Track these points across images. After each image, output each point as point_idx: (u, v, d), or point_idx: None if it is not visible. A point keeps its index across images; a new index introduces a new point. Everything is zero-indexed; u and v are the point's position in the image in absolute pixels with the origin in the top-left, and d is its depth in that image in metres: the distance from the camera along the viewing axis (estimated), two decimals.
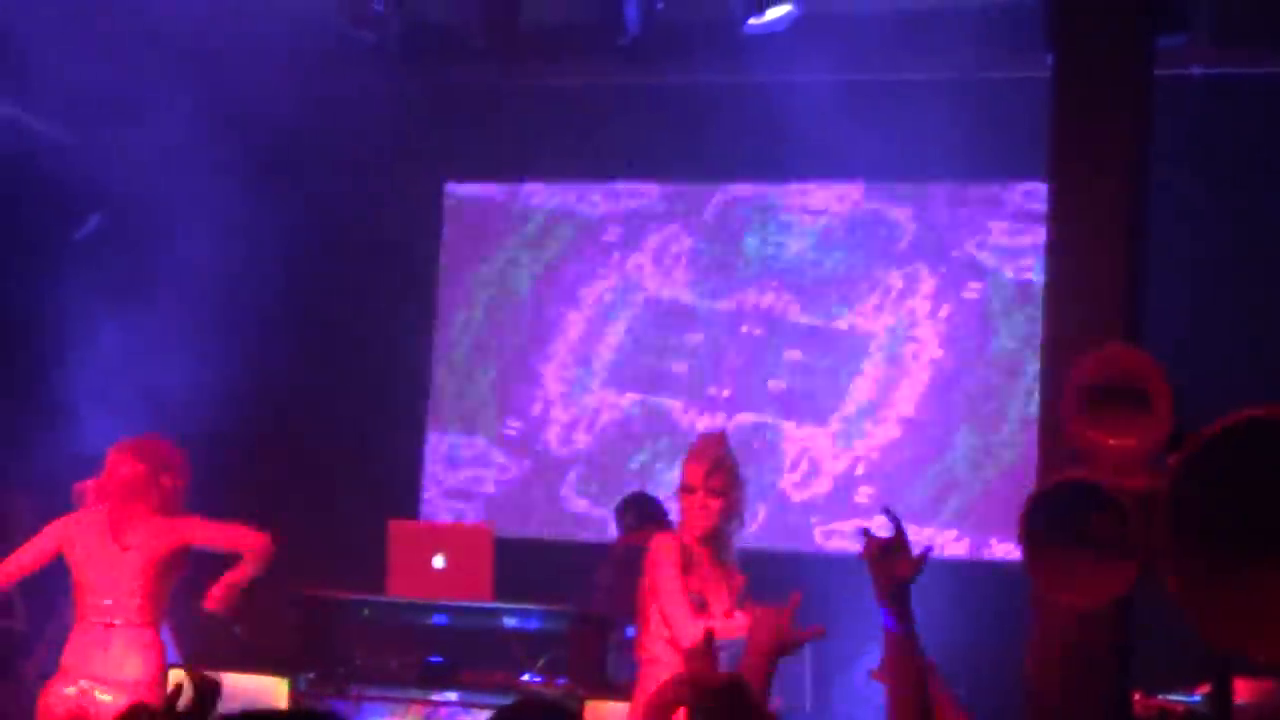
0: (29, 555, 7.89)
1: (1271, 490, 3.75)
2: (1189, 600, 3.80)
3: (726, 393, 11.31)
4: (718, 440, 7.16)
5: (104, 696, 7.62)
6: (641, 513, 9.57)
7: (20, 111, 10.77)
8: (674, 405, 11.37)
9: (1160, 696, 7.49)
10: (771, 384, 11.23)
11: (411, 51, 10.14)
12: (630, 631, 8.81)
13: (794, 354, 11.23)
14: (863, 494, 10.97)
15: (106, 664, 7.67)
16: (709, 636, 5.42)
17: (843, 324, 11.17)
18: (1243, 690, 6.02)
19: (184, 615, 9.90)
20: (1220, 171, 10.07)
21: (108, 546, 7.78)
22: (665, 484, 10.85)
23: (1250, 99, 9.92)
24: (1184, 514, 3.80)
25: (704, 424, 11.06)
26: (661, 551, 6.97)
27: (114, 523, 7.83)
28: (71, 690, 7.68)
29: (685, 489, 7.03)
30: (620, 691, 7.94)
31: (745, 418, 11.16)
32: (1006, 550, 10.24)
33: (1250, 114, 9.95)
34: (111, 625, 7.73)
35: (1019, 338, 10.74)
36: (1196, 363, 8.21)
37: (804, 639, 4.93)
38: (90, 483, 7.99)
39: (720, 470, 6.96)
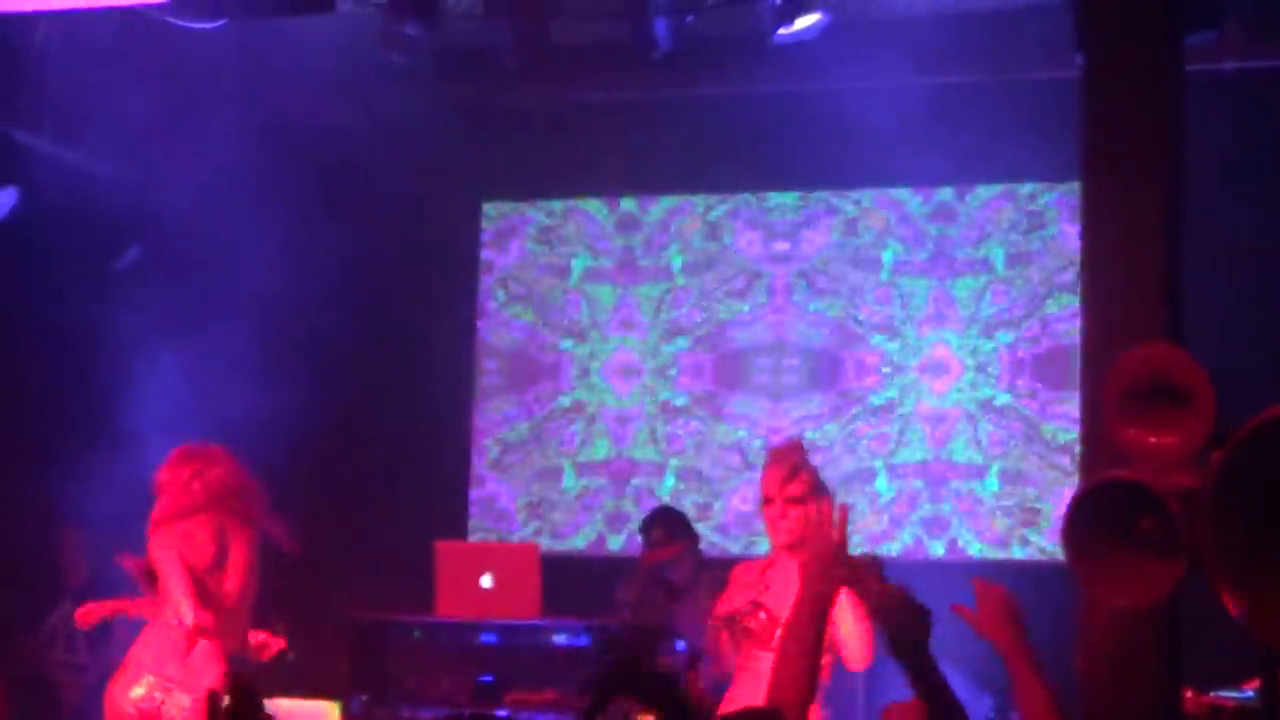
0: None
1: None
2: (1235, 596, 3.80)
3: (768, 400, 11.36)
4: (792, 447, 7.06)
5: (182, 698, 7.67)
6: (669, 528, 9.57)
7: (65, 149, 10.85)
8: (728, 413, 11.40)
9: (1212, 694, 7.49)
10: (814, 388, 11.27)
11: (444, 74, 10.18)
12: (680, 645, 8.83)
13: (831, 354, 11.24)
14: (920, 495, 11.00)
15: (184, 669, 7.70)
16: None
17: (884, 324, 11.17)
18: None
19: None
20: (1257, 166, 10.04)
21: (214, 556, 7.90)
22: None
23: None
24: (1228, 510, 3.80)
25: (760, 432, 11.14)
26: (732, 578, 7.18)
27: (218, 531, 7.96)
28: (141, 690, 7.72)
29: (764, 500, 6.98)
30: None
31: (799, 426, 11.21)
32: (1055, 550, 10.23)
33: None
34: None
35: (1061, 335, 10.74)
36: (1237, 359, 8.22)
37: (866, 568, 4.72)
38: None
39: (797, 477, 6.89)
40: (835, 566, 4.66)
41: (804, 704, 4.56)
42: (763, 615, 6.87)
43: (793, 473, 6.90)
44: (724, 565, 9.79)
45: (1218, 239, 9.47)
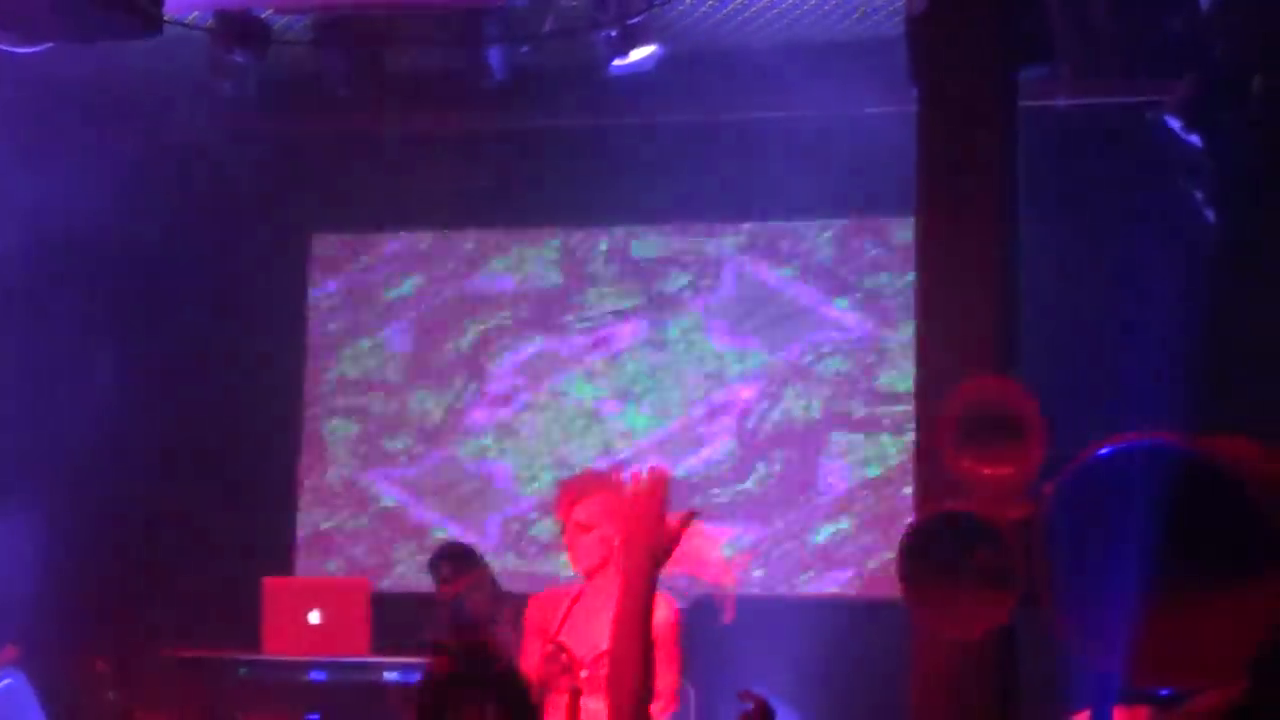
0: None
1: (1146, 516, 3.75)
2: (1068, 626, 3.79)
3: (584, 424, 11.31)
4: (587, 476, 7.06)
5: None
6: (455, 562, 9.50)
7: None
8: (550, 451, 11.33)
9: None
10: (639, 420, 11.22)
11: (273, 102, 10.04)
12: None
13: (660, 392, 11.21)
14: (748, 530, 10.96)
15: None
16: None
17: (718, 361, 11.15)
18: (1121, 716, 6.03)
19: (56, 678, 9.77)
20: (1087, 201, 10.13)
21: None
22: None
23: (1115, 129, 10.00)
24: (1060, 541, 3.79)
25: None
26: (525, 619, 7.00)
27: None
28: None
29: (562, 527, 6.91)
30: None
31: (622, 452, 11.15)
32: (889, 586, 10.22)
33: (1115, 144, 10.02)
34: None
35: (903, 371, 10.75)
36: (1070, 391, 8.27)
37: (679, 529, 4.30)
38: None
39: (583, 502, 6.78)
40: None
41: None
42: (564, 656, 6.75)
43: (578, 497, 6.82)
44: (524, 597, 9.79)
45: (1051, 272, 9.53)
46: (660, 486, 4.27)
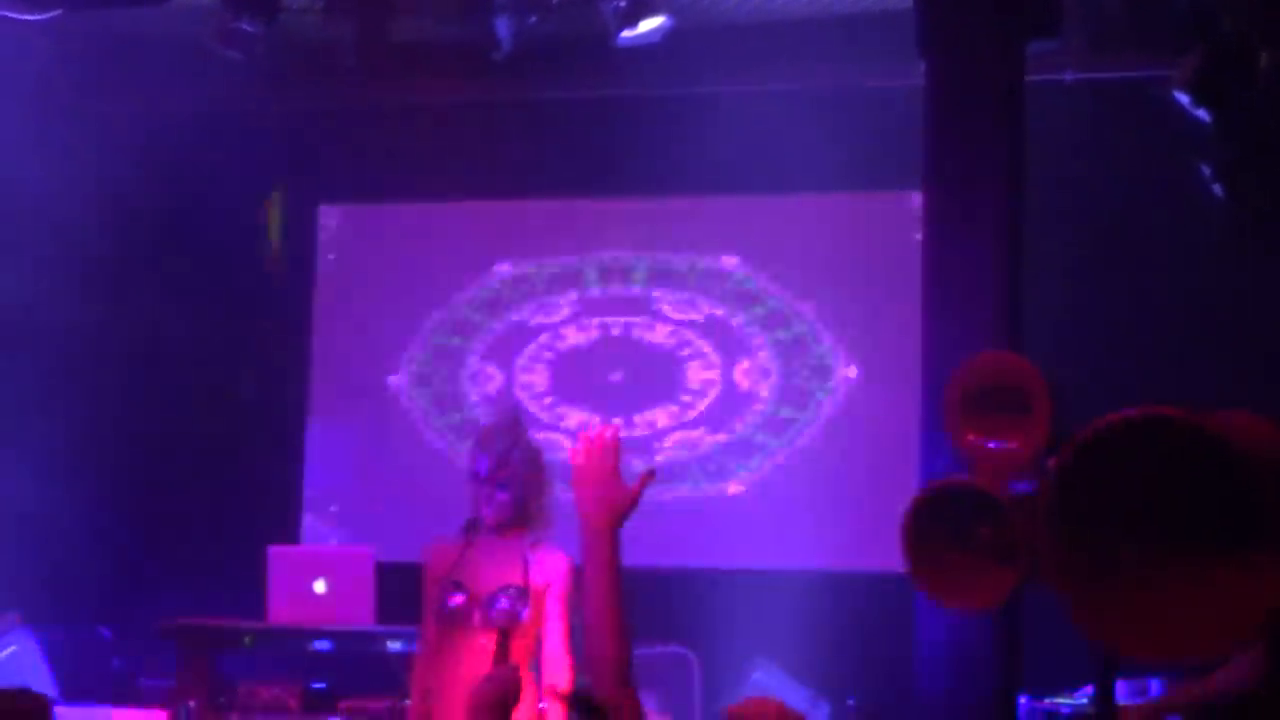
0: None
1: (1149, 490, 3.74)
2: (1072, 601, 3.78)
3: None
4: (506, 427, 6.87)
5: None
6: None
7: None
8: (565, 418, 11.31)
9: (1047, 699, 7.53)
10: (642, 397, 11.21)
11: (281, 71, 10.03)
12: None
13: (671, 362, 11.19)
14: (743, 511, 10.95)
15: None
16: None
17: (726, 330, 11.14)
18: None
19: (61, 644, 9.79)
20: (1095, 176, 10.12)
21: None
22: None
23: (1123, 103, 9.98)
24: (1064, 515, 3.78)
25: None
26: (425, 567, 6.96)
27: None
28: None
29: (473, 477, 6.78)
30: None
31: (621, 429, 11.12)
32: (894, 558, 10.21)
33: (1123, 118, 10.01)
34: None
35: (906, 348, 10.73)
36: (1075, 365, 8.26)
37: (639, 491, 4.10)
38: None
39: (508, 463, 6.71)
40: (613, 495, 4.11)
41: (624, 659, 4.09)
42: (460, 597, 6.71)
43: (503, 457, 6.70)
44: None
45: (1057, 245, 9.53)
46: (613, 447, 4.14)
